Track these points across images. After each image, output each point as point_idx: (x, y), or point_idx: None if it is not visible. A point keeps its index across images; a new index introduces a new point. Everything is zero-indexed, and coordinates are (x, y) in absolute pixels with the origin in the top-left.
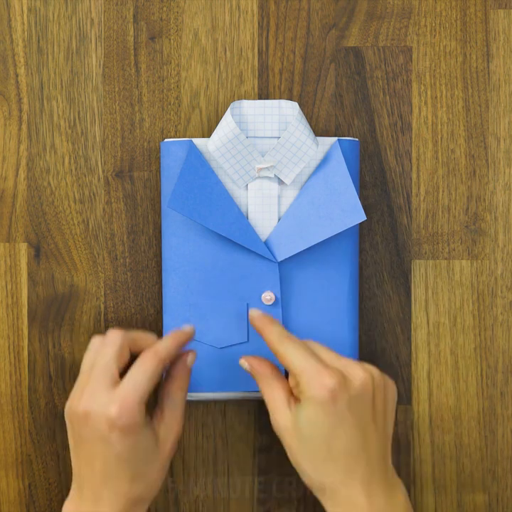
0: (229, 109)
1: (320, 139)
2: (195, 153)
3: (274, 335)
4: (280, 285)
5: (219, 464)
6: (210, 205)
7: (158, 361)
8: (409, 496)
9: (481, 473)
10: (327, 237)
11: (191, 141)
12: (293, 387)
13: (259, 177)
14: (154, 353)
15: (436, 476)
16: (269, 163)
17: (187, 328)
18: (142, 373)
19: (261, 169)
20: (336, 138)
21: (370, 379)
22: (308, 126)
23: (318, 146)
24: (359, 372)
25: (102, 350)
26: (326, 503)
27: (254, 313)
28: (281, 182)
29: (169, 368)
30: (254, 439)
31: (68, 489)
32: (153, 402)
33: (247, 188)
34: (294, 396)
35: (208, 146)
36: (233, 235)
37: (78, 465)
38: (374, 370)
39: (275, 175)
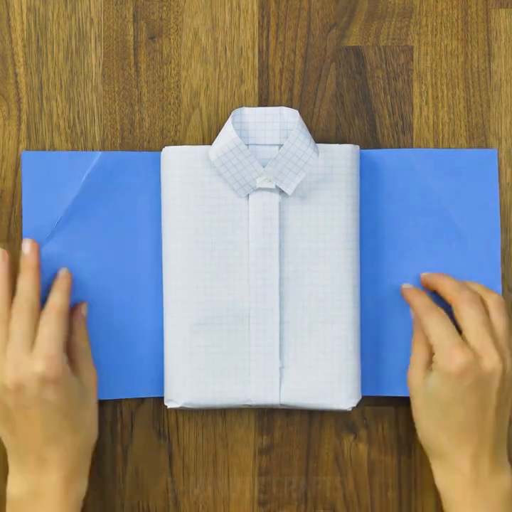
0: (230, 117)
1: (322, 146)
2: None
3: (421, 306)
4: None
5: (219, 465)
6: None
7: (59, 315)
8: (410, 497)
9: None
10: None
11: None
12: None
13: (259, 188)
14: (53, 309)
15: None
16: (270, 175)
17: (62, 272)
18: (51, 329)
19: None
20: (338, 145)
21: (502, 368)
22: (308, 135)
23: (318, 155)
24: (494, 359)
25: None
26: (433, 463)
27: (406, 286)
28: (282, 192)
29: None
30: (254, 441)
31: None
32: None
33: (248, 198)
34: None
35: (209, 154)
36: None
37: (14, 440)
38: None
39: (276, 185)
